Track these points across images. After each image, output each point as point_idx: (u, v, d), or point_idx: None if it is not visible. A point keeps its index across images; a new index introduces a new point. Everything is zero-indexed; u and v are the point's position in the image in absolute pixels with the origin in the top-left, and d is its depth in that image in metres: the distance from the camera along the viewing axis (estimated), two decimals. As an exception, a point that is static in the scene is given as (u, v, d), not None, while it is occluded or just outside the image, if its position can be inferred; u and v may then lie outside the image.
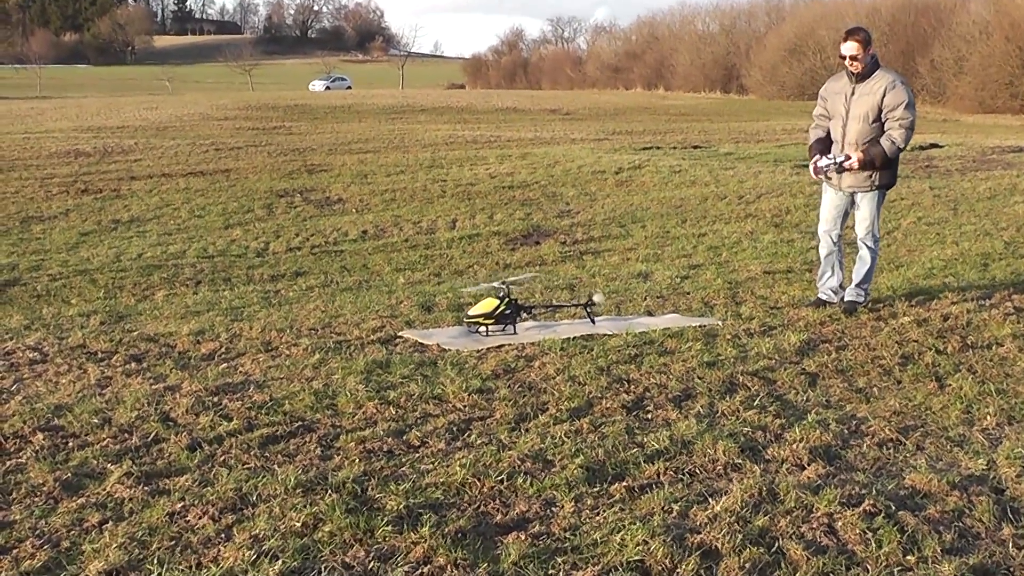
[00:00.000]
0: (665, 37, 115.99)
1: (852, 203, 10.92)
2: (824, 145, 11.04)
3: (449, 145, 35.99)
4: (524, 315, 10.73)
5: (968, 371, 8.76)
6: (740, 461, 6.63)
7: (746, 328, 10.25)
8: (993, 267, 13.42)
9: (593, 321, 10.58)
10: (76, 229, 19.31)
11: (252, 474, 6.44)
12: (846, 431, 7.24)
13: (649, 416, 7.64)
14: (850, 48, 10.57)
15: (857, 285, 10.98)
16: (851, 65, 10.61)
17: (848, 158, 10.55)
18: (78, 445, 7.05)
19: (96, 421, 7.50)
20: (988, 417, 7.54)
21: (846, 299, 10.99)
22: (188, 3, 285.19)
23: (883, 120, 10.54)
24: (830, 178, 10.86)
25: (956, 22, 73.00)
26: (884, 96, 10.46)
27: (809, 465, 6.57)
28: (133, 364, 9.38)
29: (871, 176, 10.65)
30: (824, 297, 11.14)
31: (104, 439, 7.14)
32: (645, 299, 12.04)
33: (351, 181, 25.41)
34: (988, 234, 16.07)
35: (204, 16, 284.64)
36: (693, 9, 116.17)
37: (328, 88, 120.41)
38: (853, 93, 10.66)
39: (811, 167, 11.17)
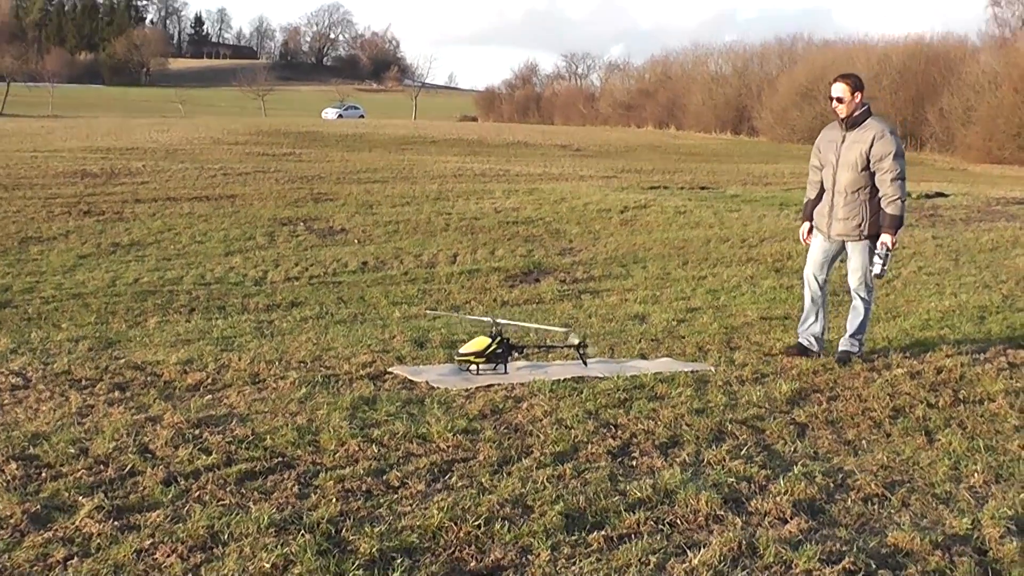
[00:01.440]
0: (678, 76, 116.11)
1: (842, 250, 10.92)
2: (813, 208, 11.19)
3: (457, 178, 35.97)
4: (516, 355, 10.66)
5: (958, 426, 8.67)
6: (722, 513, 6.54)
7: (738, 375, 10.19)
8: (990, 320, 13.35)
9: (585, 363, 10.52)
10: (75, 251, 19.26)
11: (226, 511, 6.35)
12: (832, 484, 7.14)
13: (634, 463, 7.56)
14: (837, 90, 10.74)
15: (851, 335, 10.95)
16: (836, 107, 10.71)
17: (885, 245, 10.56)
18: (51, 476, 6.96)
19: (72, 451, 7.43)
20: (976, 474, 7.44)
21: (840, 348, 10.95)
22: (205, 26, 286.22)
23: (871, 169, 10.54)
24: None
25: (966, 71, 73.07)
26: (873, 144, 10.52)
27: (792, 519, 6.48)
28: (116, 393, 9.32)
29: (860, 225, 10.67)
30: (804, 343, 11.09)
31: (79, 470, 7.06)
32: (640, 342, 11.99)
33: (356, 211, 25.37)
34: (987, 286, 15.99)
35: (220, 40, 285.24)
36: (706, 50, 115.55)
37: (341, 116, 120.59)
38: (844, 141, 10.74)
39: (802, 233, 11.35)
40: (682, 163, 52.88)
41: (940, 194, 31.52)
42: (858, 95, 10.69)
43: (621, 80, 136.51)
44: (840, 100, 10.70)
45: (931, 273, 17.43)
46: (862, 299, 10.90)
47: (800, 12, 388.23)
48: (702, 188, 34.17)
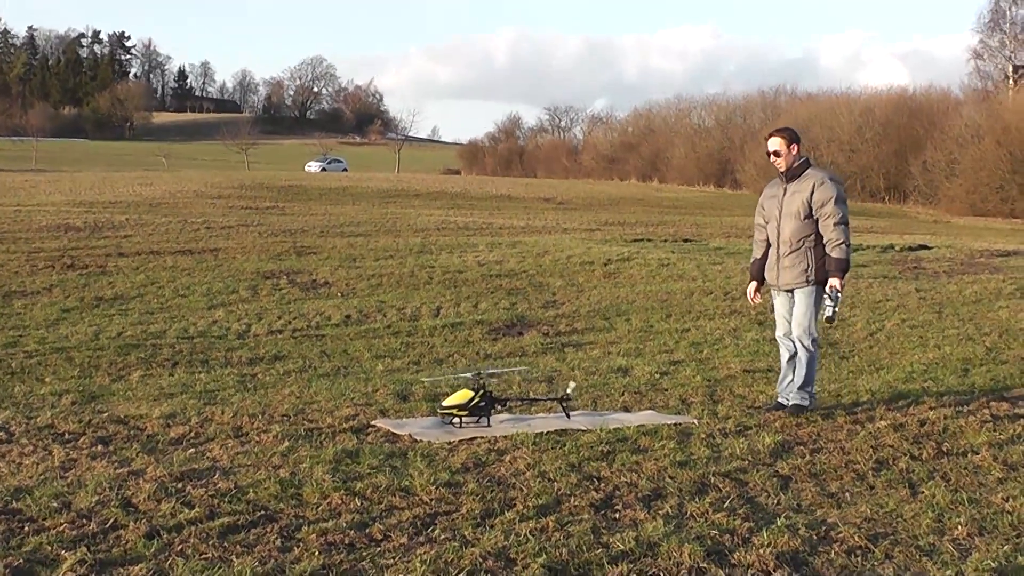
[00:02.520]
0: (661, 129, 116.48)
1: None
2: (760, 267, 11.31)
3: (440, 231, 36.02)
4: (499, 407, 10.67)
5: (942, 479, 8.67)
6: (705, 565, 6.54)
7: (721, 427, 10.19)
8: (973, 372, 13.37)
9: (568, 415, 10.52)
10: (58, 305, 19.21)
11: (208, 565, 6.34)
12: (815, 537, 7.14)
13: (617, 515, 7.55)
14: (774, 144, 10.96)
15: (800, 388, 10.94)
16: (775, 162, 10.88)
17: (834, 288, 10.59)
18: (34, 530, 6.95)
19: (55, 505, 7.42)
20: (959, 527, 7.43)
21: (791, 403, 10.94)
22: (188, 81, 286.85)
23: (814, 216, 10.67)
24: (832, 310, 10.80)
25: (949, 125, 73.49)
26: (814, 191, 10.71)
27: (775, 571, 6.48)
28: (100, 447, 9.31)
29: (806, 271, 10.75)
30: (784, 401, 11.06)
31: (61, 524, 7.05)
32: (623, 394, 11.99)
33: (339, 264, 25.36)
34: (971, 339, 16.03)
35: (204, 94, 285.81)
36: (689, 102, 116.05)
37: (324, 169, 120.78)
38: (785, 193, 10.90)
39: (749, 292, 11.48)
40: (665, 216, 53.03)
41: (923, 247, 31.59)
42: (795, 147, 10.89)
43: (604, 133, 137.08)
44: (777, 154, 10.91)
45: (914, 325, 17.46)
46: (805, 348, 10.85)
47: (784, 63, 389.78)
48: (685, 241, 34.23)
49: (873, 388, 12.24)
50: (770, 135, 11.07)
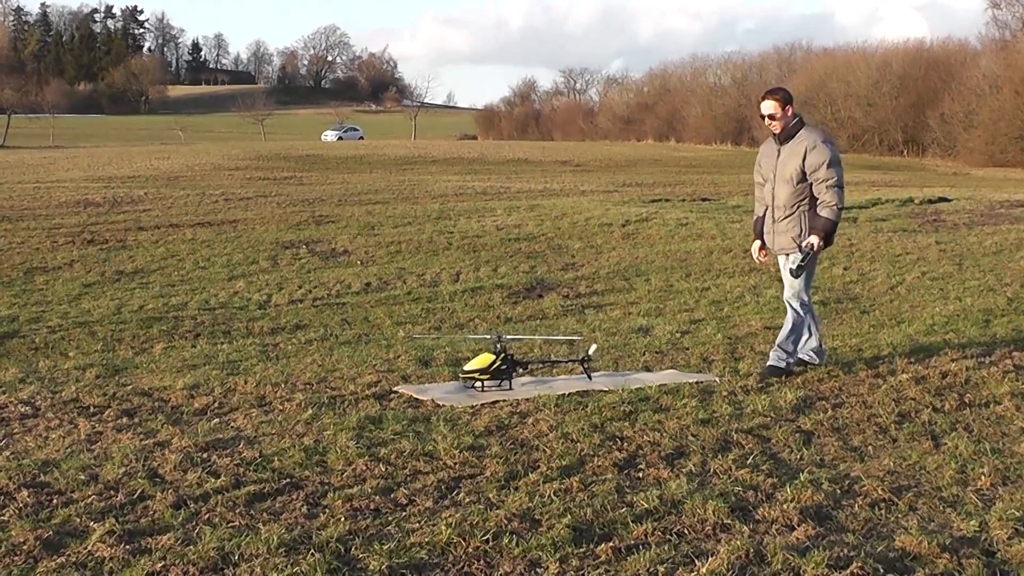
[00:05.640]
0: (677, 89, 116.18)
1: None
2: (762, 225, 11.04)
3: (458, 196, 36.00)
4: (520, 370, 10.68)
5: (964, 430, 8.68)
6: (729, 521, 6.56)
7: (743, 385, 10.20)
8: (995, 323, 13.36)
9: (590, 377, 10.54)
10: (79, 280, 19.30)
11: (236, 533, 6.38)
12: (838, 491, 7.16)
13: (640, 475, 7.57)
14: (767, 107, 10.65)
15: (777, 345, 10.81)
16: (770, 124, 10.65)
17: (810, 244, 10.45)
18: (62, 502, 6.99)
19: (83, 477, 7.46)
20: (982, 477, 7.45)
21: (768, 363, 10.84)
22: (203, 53, 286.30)
23: (808, 180, 10.50)
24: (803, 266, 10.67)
25: (966, 76, 73.18)
26: (806, 156, 10.44)
27: (799, 526, 6.50)
28: (125, 419, 9.34)
29: (799, 235, 10.54)
30: (805, 358, 10.96)
31: (89, 496, 7.09)
32: (644, 354, 12.00)
33: (358, 232, 25.38)
34: (992, 290, 16.01)
35: (218, 66, 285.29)
36: (704, 61, 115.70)
37: (340, 138, 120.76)
38: (779, 155, 10.68)
39: (754, 251, 11.30)
40: (683, 175, 52.89)
41: (943, 199, 31.51)
42: (789, 109, 10.60)
43: (620, 94, 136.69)
44: (772, 117, 10.62)
45: (935, 278, 17.45)
46: (793, 310, 10.73)
47: (799, 18, 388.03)
48: (703, 200, 34.17)
49: (894, 341, 12.23)
50: (763, 98, 10.78)
